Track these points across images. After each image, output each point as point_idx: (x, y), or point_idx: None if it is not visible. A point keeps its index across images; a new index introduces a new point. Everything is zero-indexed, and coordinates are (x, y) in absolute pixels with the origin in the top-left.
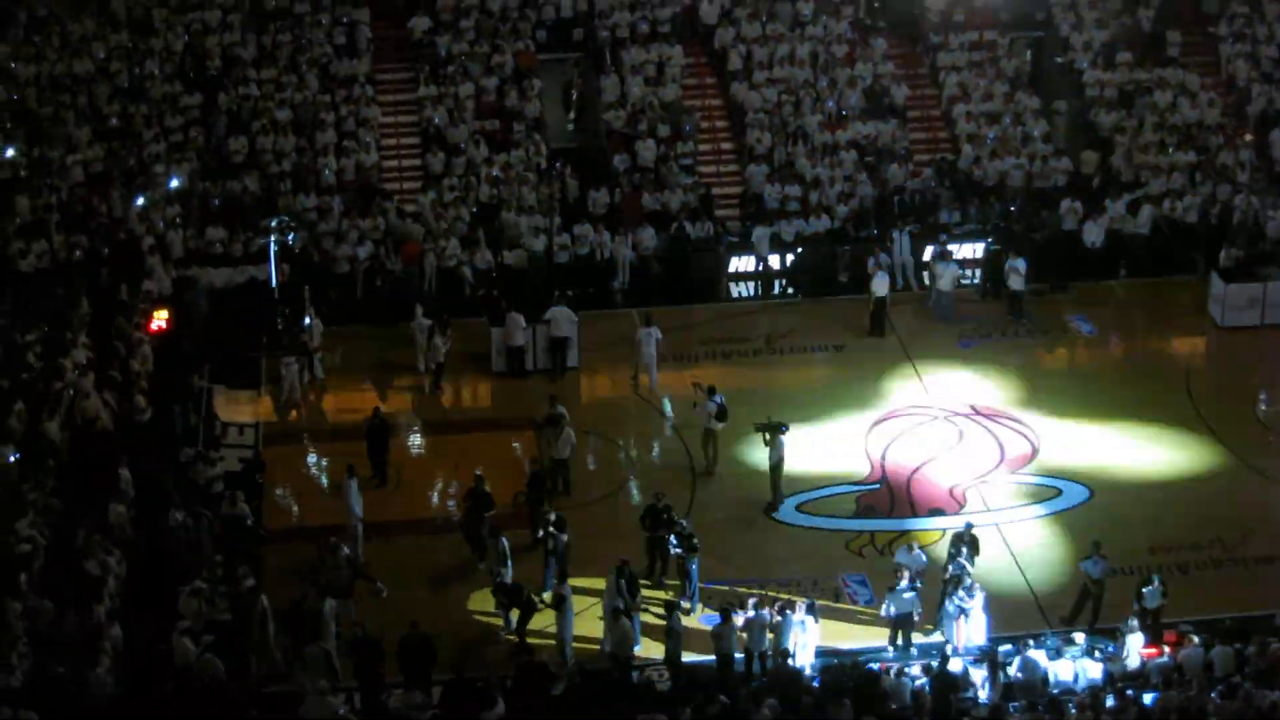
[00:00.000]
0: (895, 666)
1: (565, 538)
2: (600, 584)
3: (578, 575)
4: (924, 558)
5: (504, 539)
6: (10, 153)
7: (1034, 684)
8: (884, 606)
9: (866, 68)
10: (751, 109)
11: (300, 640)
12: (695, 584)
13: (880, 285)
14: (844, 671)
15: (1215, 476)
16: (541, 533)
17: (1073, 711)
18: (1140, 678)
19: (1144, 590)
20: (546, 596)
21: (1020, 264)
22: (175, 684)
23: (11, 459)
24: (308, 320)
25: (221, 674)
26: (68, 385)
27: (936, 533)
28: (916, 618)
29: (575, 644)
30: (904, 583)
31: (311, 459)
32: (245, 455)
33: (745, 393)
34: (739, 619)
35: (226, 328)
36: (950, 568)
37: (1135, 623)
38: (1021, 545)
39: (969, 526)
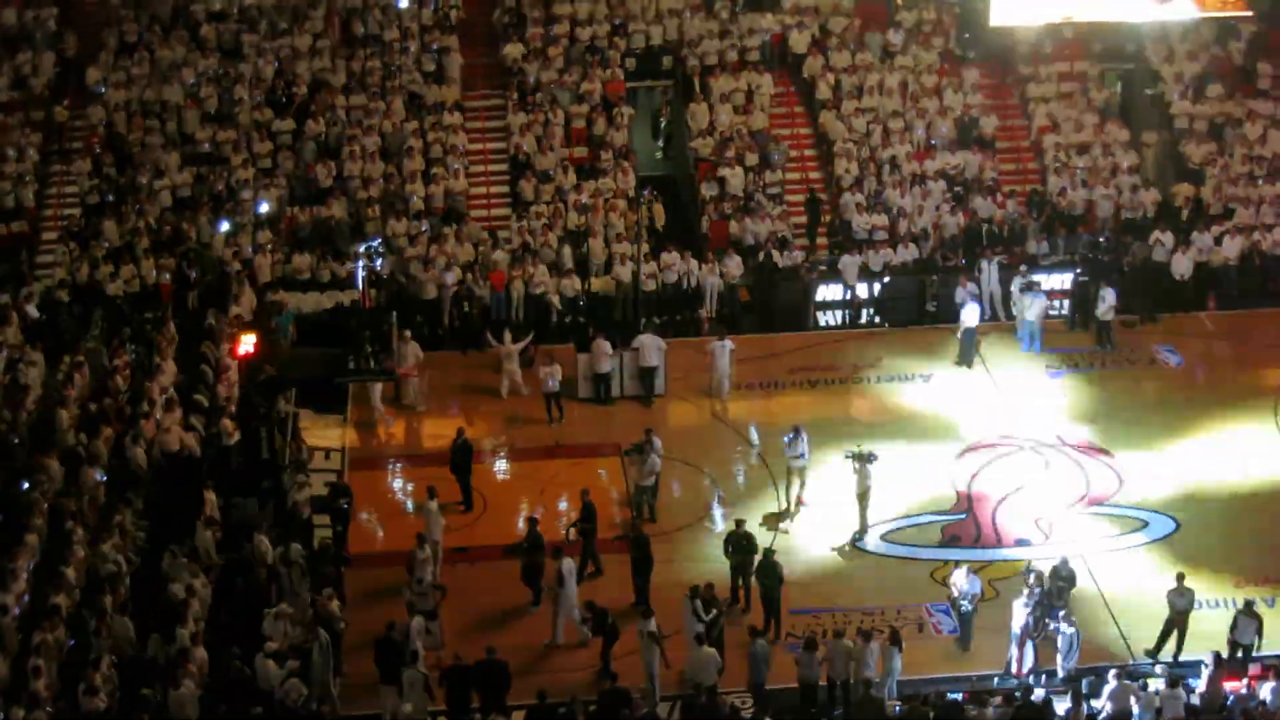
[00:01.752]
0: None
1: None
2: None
3: (660, 599)
4: (979, 585)
5: (566, 559)
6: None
7: (1118, 717)
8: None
9: (956, 98)
10: (840, 138)
11: (386, 667)
12: (779, 611)
13: (970, 315)
14: (926, 701)
15: None
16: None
17: None
18: (1224, 710)
19: (1237, 621)
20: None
21: (1110, 293)
22: (259, 707)
23: (100, 479)
24: (395, 346)
25: (304, 697)
26: (151, 415)
27: (1019, 563)
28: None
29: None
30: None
31: (397, 483)
32: (331, 480)
33: (832, 422)
34: (822, 647)
35: (313, 353)
36: (1034, 598)
37: (1212, 656)
38: (1107, 577)
39: (1065, 560)
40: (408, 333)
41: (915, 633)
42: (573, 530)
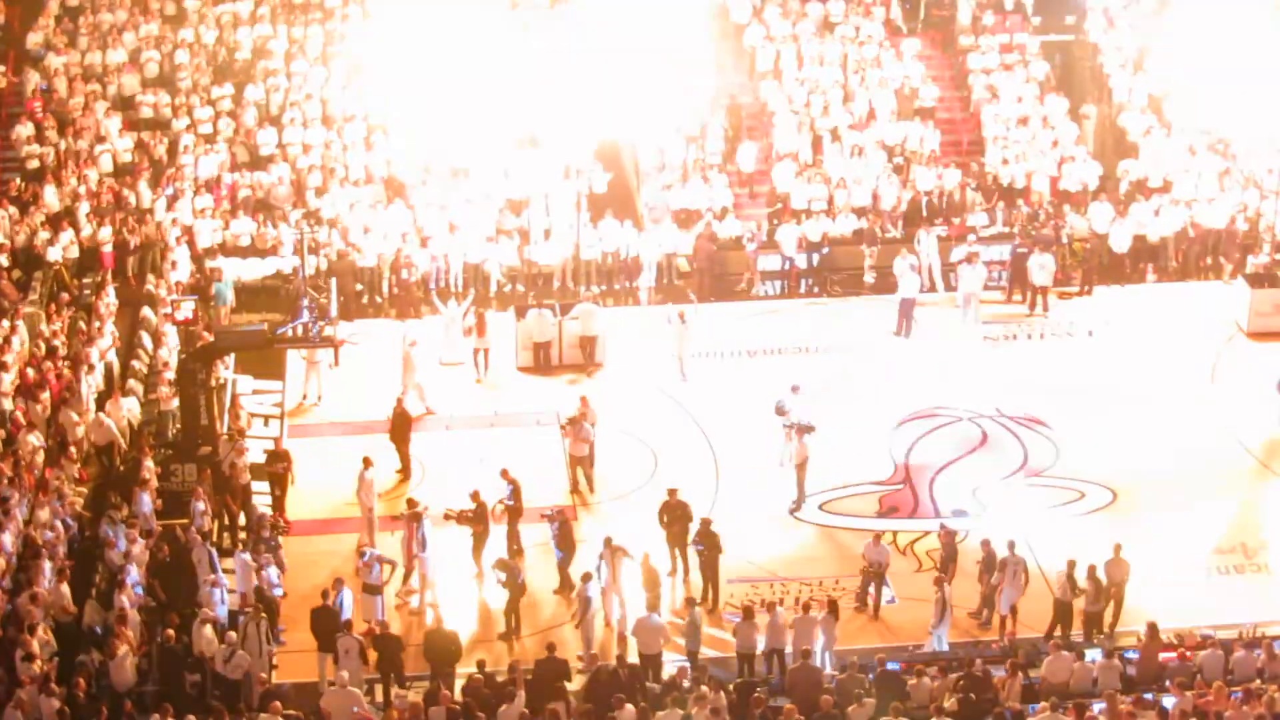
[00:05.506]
0: (916, 666)
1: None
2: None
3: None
4: (884, 554)
5: (426, 521)
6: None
7: (1055, 686)
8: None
9: (896, 69)
10: (780, 109)
11: (323, 635)
12: (717, 580)
13: (909, 286)
14: (864, 670)
15: (1238, 481)
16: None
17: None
18: (1159, 681)
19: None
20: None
21: (1047, 259)
22: (197, 675)
23: (37, 444)
24: (334, 312)
25: (246, 665)
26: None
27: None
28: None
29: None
30: None
31: (335, 451)
32: (269, 448)
33: (770, 392)
34: (760, 617)
35: (252, 319)
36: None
37: (1147, 627)
38: (1044, 548)
39: (985, 542)
40: (414, 339)
41: (853, 603)
42: (498, 508)
